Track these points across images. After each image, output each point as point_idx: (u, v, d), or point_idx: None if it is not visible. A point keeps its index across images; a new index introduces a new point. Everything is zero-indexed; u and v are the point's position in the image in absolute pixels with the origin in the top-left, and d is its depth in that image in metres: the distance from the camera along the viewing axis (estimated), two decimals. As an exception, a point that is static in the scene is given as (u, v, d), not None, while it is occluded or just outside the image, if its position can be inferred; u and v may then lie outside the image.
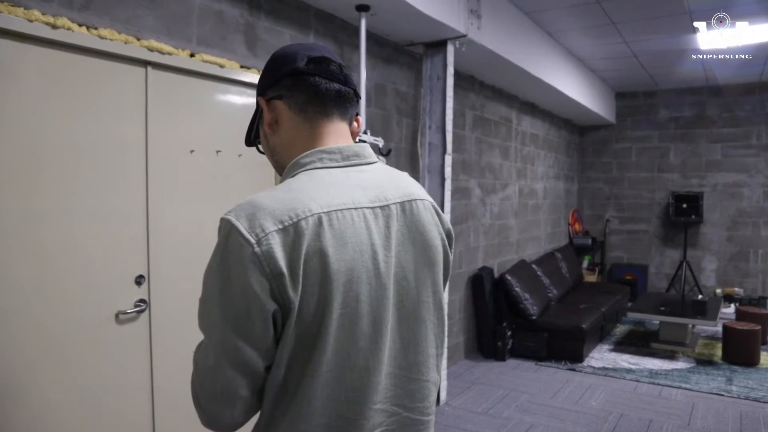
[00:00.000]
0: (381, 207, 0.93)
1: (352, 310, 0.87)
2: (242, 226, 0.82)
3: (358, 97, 1.03)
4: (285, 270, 0.81)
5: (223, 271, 0.83)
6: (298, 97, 0.97)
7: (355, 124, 1.05)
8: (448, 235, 1.07)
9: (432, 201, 1.05)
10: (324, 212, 0.85)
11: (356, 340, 0.88)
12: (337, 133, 0.99)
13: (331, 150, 0.95)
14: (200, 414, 0.92)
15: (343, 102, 0.99)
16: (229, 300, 0.83)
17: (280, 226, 0.82)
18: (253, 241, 0.81)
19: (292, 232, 0.82)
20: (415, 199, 0.99)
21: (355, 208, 0.89)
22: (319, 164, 0.94)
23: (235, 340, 0.83)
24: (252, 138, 1.08)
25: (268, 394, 0.89)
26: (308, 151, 0.95)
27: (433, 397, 1.03)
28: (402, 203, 0.97)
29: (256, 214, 0.83)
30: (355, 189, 0.91)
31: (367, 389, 0.90)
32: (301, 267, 0.82)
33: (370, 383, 0.90)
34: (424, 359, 0.99)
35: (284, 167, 0.99)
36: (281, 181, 0.95)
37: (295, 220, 0.83)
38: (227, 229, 0.83)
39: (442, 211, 1.07)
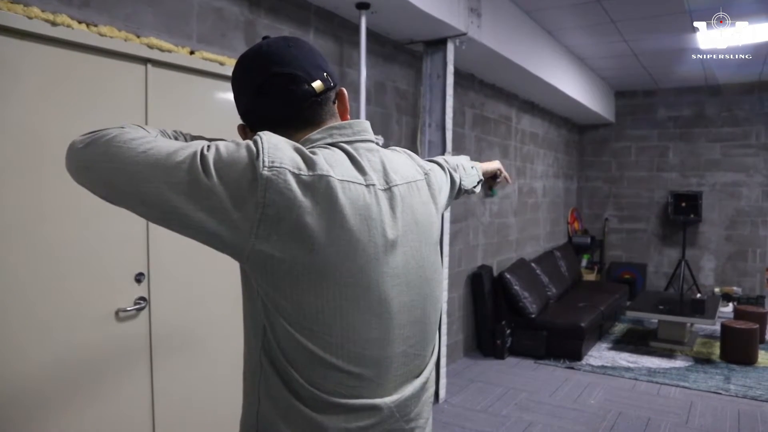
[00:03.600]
0: (389, 188, 0.95)
1: (355, 281, 0.88)
2: (265, 147, 0.82)
3: (332, 86, 0.99)
4: (278, 206, 0.81)
5: (225, 156, 0.81)
6: (269, 125, 0.94)
7: (340, 90, 1.03)
8: (446, 186, 1.14)
9: (427, 173, 1.07)
10: (339, 179, 0.86)
11: (362, 312, 0.90)
12: (330, 121, 0.99)
13: (341, 125, 0.96)
14: (84, 144, 0.86)
15: (313, 113, 0.97)
16: (206, 176, 0.79)
17: (296, 171, 0.83)
18: (266, 162, 0.81)
19: (307, 181, 0.83)
20: (415, 180, 1.02)
21: (367, 185, 0.91)
22: (329, 140, 0.94)
23: (167, 180, 0.80)
24: None
25: (271, 356, 0.90)
26: (319, 129, 0.95)
27: (432, 376, 1.07)
28: (408, 184, 1.00)
29: (283, 149, 0.84)
30: (364, 168, 0.92)
31: (375, 367, 0.92)
32: (304, 219, 0.82)
33: (380, 359, 0.92)
34: (431, 337, 1.04)
35: None
36: None
37: (309, 174, 0.84)
38: (254, 141, 0.83)
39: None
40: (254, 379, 0.93)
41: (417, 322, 0.99)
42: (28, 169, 1.93)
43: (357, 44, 3.31)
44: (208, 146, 0.83)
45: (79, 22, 2.04)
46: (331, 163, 0.87)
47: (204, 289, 2.52)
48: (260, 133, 0.86)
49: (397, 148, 1.11)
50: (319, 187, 0.83)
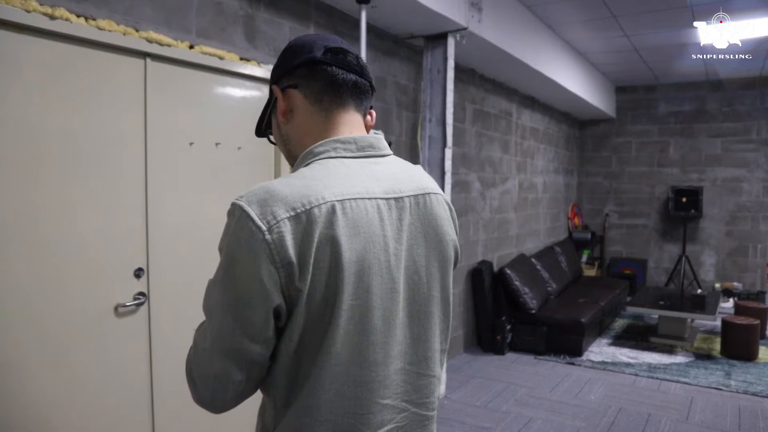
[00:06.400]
0: (395, 199, 0.92)
1: (363, 302, 0.86)
2: (254, 213, 0.81)
3: (373, 89, 1.03)
4: (294, 259, 0.80)
5: (229, 255, 0.83)
6: (313, 86, 0.96)
7: (368, 117, 1.05)
8: (456, 231, 1.07)
9: (445, 196, 1.05)
10: (338, 200, 0.84)
11: (367, 333, 0.87)
12: (352, 124, 0.98)
13: (346, 140, 0.94)
14: (192, 392, 0.92)
15: (358, 93, 0.99)
16: (233, 286, 0.82)
17: (292, 213, 0.81)
18: (264, 228, 0.80)
19: (304, 219, 0.81)
20: (429, 193, 0.98)
21: (369, 198, 0.88)
22: (333, 153, 0.93)
23: (233, 327, 0.83)
24: (263, 128, 1.07)
25: (279, 383, 0.89)
26: (323, 141, 0.94)
27: (438, 392, 1.03)
28: (416, 196, 0.96)
29: (268, 200, 0.82)
30: (369, 179, 0.91)
31: (374, 383, 0.89)
32: (312, 255, 0.81)
33: (377, 377, 0.90)
34: (432, 354, 0.99)
35: (296, 157, 0.99)
36: (294, 170, 0.94)
37: (307, 207, 0.82)
38: (238, 215, 0.82)
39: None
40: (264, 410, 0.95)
41: (418, 339, 0.96)
42: (27, 164, 1.92)
43: (357, 39, 3.29)
44: (214, 284, 0.86)
45: (78, 16, 2.03)
46: (327, 183, 0.86)
47: (204, 283, 2.51)
48: (237, 202, 0.83)
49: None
50: (318, 216, 0.82)
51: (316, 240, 0.81)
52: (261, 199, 0.82)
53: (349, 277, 0.84)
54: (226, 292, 0.83)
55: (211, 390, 0.88)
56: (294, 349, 0.86)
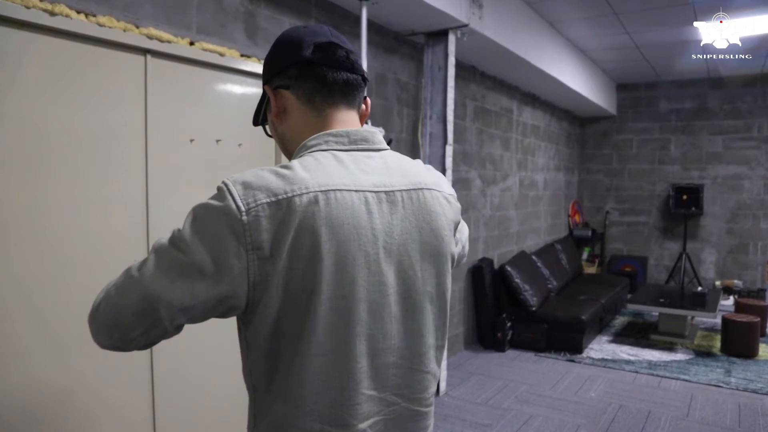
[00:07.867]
0: (385, 192, 0.92)
1: (348, 294, 0.86)
2: (236, 192, 0.83)
3: (365, 81, 1.03)
4: (266, 243, 0.81)
5: (200, 223, 0.83)
6: (305, 87, 0.96)
7: (363, 106, 1.05)
8: (456, 226, 1.07)
9: (444, 191, 1.03)
10: (321, 191, 0.85)
11: (353, 325, 0.88)
12: (345, 121, 0.99)
13: (338, 133, 0.95)
14: (91, 323, 0.92)
15: (350, 90, 0.99)
16: (196, 252, 0.82)
17: (273, 199, 0.82)
18: (243, 208, 0.81)
19: (284, 206, 0.82)
20: (422, 188, 0.98)
21: (356, 191, 0.88)
22: (325, 146, 0.93)
23: (170, 282, 0.82)
24: (260, 120, 1.08)
25: (258, 368, 0.90)
26: (316, 134, 0.95)
27: (433, 389, 1.03)
28: (408, 191, 0.95)
29: (253, 183, 0.84)
30: (359, 172, 0.91)
31: (360, 374, 0.90)
32: (288, 243, 0.82)
33: (363, 368, 0.90)
34: (426, 350, 0.99)
35: (293, 152, 1.00)
36: None
37: (289, 195, 0.83)
38: (222, 192, 0.84)
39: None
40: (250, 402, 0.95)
41: (411, 333, 0.96)
42: (28, 160, 1.91)
43: (358, 36, 3.28)
44: (173, 235, 0.85)
45: (78, 12, 2.02)
46: (314, 173, 0.86)
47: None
48: (225, 180, 0.85)
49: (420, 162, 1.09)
50: (299, 205, 0.82)
51: (294, 228, 0.82)
52: (246, 182, 0.84)
53: (328, 267, 0.84)
54: (187, 252, 0.82)
55: (109, 330, 0.88)
56: (270, 333, 0.86)
